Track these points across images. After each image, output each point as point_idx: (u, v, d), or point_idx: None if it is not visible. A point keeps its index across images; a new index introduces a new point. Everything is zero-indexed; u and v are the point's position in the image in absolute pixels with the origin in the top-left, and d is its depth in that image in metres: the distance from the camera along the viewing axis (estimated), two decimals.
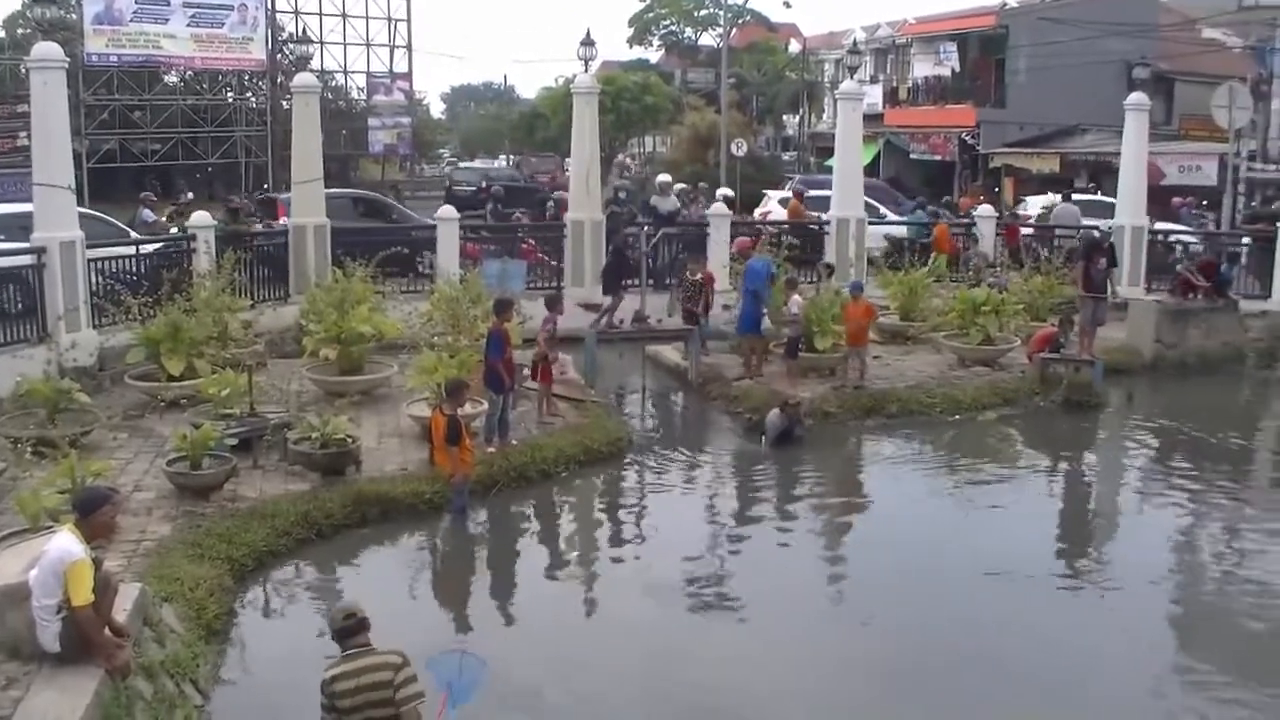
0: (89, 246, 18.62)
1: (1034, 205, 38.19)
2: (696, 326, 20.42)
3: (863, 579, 12.84)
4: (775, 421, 17.08)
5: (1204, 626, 11.86)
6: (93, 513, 8.44)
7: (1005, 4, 55.66)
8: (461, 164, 74.90)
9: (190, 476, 13.28)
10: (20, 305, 17.99)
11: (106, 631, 8.45)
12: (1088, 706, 9.99)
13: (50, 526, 10.14)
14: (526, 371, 17.74)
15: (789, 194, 34.22)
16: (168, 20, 51.08)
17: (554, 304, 17.96)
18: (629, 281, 22.94)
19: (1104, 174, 43.91)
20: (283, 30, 57.42)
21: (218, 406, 15.06)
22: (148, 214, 27.36)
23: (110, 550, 10.81)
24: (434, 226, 24.34)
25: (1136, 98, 27.07)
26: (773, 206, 36.54)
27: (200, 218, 21.95)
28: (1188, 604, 12.51)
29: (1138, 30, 48.20)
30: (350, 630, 7.58)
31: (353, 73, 60.52)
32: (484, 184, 59.37)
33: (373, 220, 29.48)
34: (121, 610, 8.95)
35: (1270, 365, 23.12)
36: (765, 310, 19.86)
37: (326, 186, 24.35)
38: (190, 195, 38.14)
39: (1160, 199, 34.60)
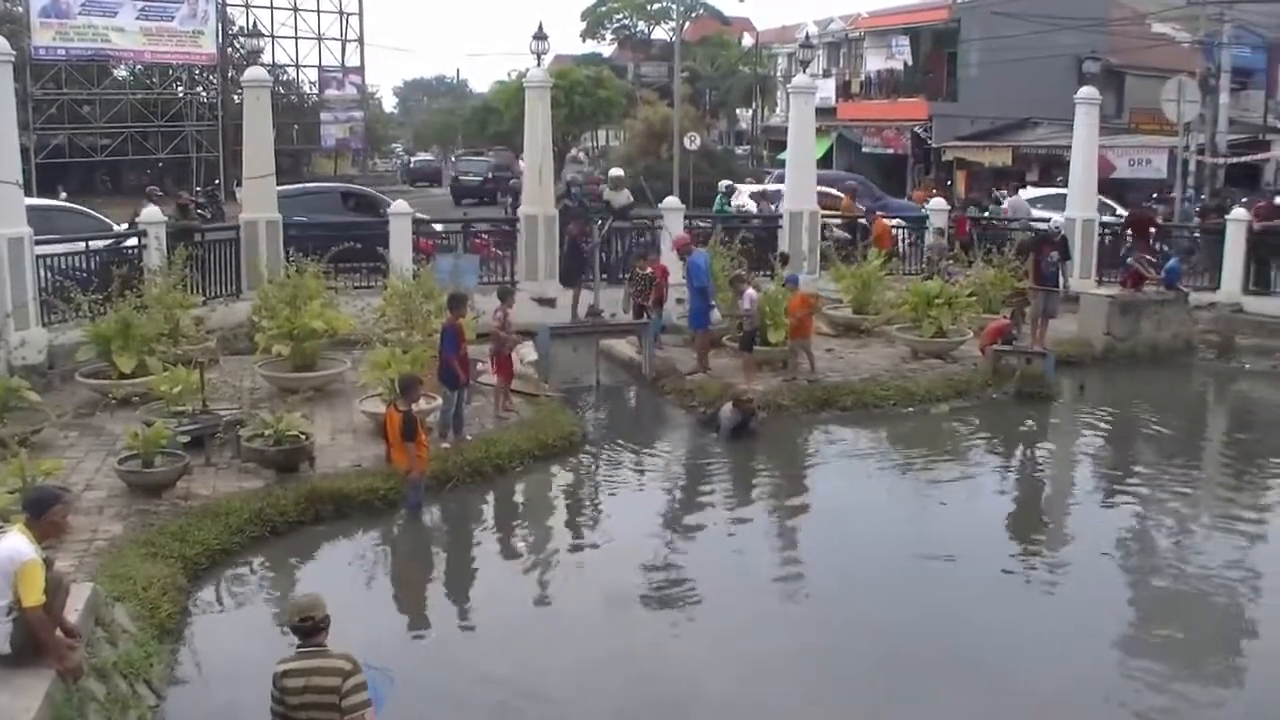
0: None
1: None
2: (649, 320, 20.43)
3: (816, 573, 12.88)
4: (729, 415, 17.14)
5: (1152, 614, 11.96)
6: (43, 513, 8.36)
7: None
8: (464, 154, 74.71)
9: (142, 475, 13.19)
10: None
11: (58, 632, 8.37)
12: (1034, 695, 10.10)
13: (0, 527, 10.05)
14: (481, 366, 17.73)
15: (761, 188, 34.68)
16: (116, 13, 50.75)
17: (505, 296, 17.86)
18: (584, 276, 22.88)
19: (1055, 167, 44.30)
20: (233, 24, 57.20)
21: (170, 404, 14.93)
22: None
23: (62, 550, 10.75)
24: (428, 222, 24.31)
25: (1087, 91, 27.27)
26: (744, 200, 36.64)
27: (150, 213, 21.78)
28: (1136, 591, 12.62)
29: (1088, 25, 48.55)
30: (306, 631, 7.55)
31: (304, 67, 60.45)
32: (489, 175, 59.54)
33: (362, 215, 29.08)
34: (73, 611, 8.87)
35: (1221, 356, 23.35)
36: (714, 304, 19.95)
37: (286, 182, 24.27)
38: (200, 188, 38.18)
39: (1112, 192, 34.93)
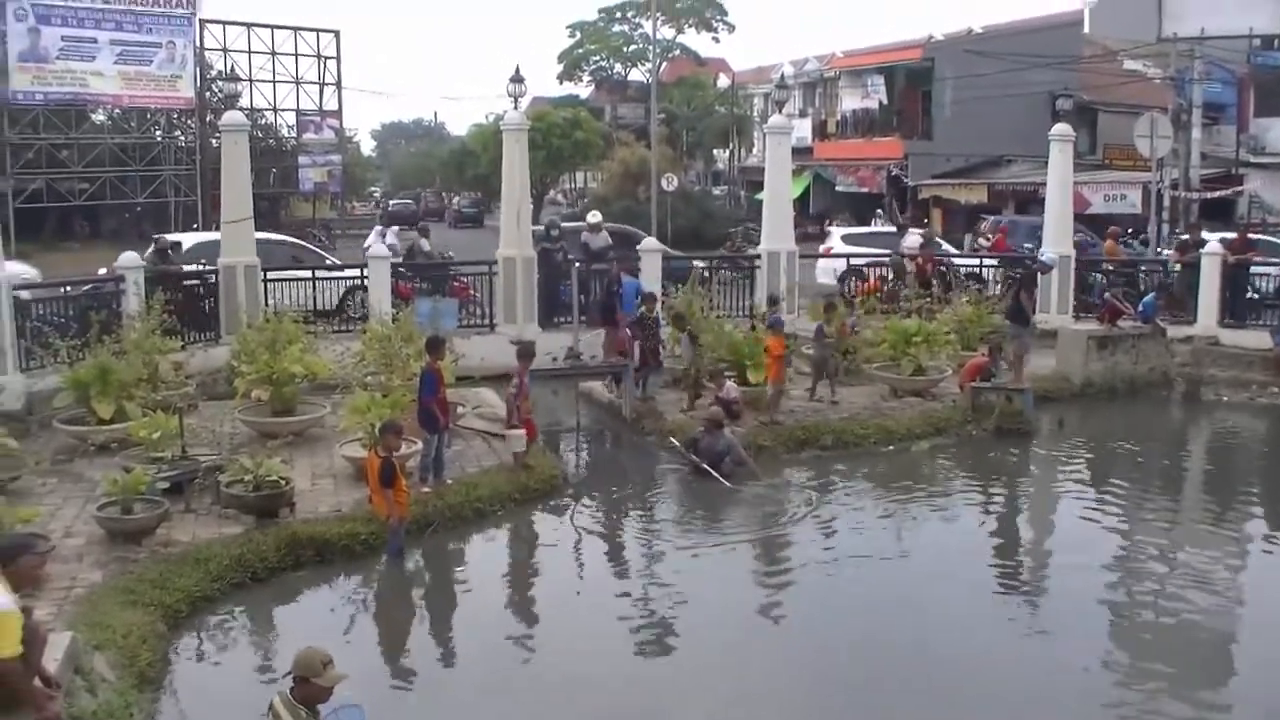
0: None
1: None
2: (628, 363, 20.37)
3: (800, 612, 12.86)
4: (705, 442, 17.14)
5: (1135, 645, 11.95)
6: (14, 561, 8.29)
7: (931, 37, 56.46)
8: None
9: (121, 521, 13.09)
10: None
11: (36, 682, 8.29)
12: None
13: None
14: (461, 409, 17.65)
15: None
16: (94, 58, 50.76)
17: (524, 356, 17.42)
18: (560, 319, 22.87)
19: (1030, 203, 44.55)
20: (211, 68, 57.20)
21: (149, 450, 14.87)
22: (424, 243, 29.66)
23: (40, 598, 10.66)
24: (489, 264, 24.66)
25: (1061, 128, 27.45)
26: (834, 242, 36.83)
27: (128, 258, 21.73)
28: (1118, 623, 12.58)
29: (1061, 62, 49.11)
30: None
31: (282, 110, 60.37)
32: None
33: (627, 249, 29.48)
34: (52, 660, 8.79)
35: (1188, 396, 23.44)
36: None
37: (262, 228, 24.42)
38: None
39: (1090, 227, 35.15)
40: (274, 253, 27.06)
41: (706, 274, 25.78)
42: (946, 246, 33.51)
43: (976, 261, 30.69)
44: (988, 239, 35.40)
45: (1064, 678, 10.96)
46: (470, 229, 76.59)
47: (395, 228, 35.73)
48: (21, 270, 27.59)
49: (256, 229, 23.72)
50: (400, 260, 27.06)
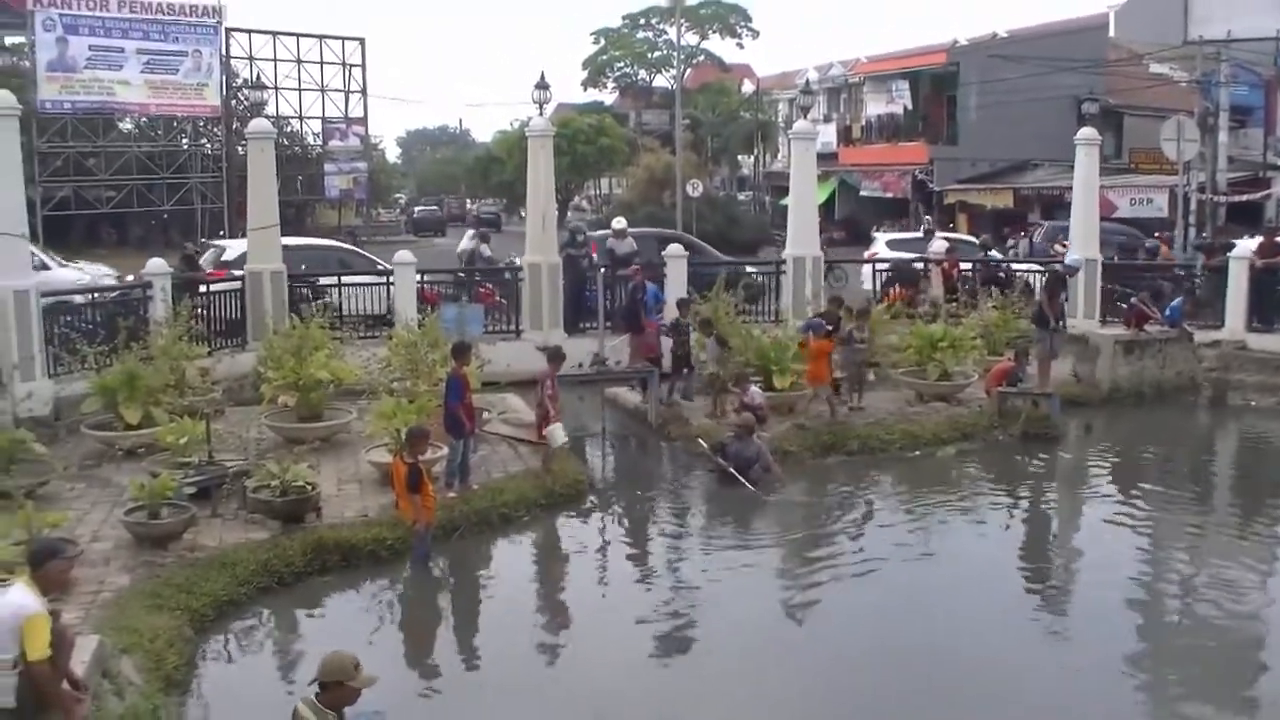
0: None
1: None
2: (654, 369, 20.39)
3: (821, 620, 12.83)
4: (734, 447, 17.11)
5: (1167, 656, 11.90)
6: (40, 566, 8.34)
7: (955, 42, 56.35)
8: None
9: (148, 526, 13.13)
10: None
11: (64, 685, 8.33)
12: None
13: (4, 580, 10.00)
14: (486, 415, 17.66)
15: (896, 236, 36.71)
16: (122, 67, 51.14)
17: (555, 359, 17.39)
18: (585, 324, 22.84)
19: (1056, 208, 44.38)
20: (237, 76, 57.55)
21: (175, 455, 14.92)
22: (485, 249, 30.60)
23: (68, 602, 10.71)
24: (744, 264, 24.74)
25: (1087, 133, 27.31)
26: (879, 247, 36.92)
27: (155, 265, 21.83)
28: (1149, 634, 12.52)
29: (1086, 66, 48.85)
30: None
31: (308, 118, 60.74)
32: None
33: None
34: (79, 663, 8.83)
35: (1215, 403, 23.29)
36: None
37: (290, 233, 24.55)
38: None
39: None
40: (325, 259, 27.94)
41: (759, 278, 26.05)
42: (994, 254, 33.21)
43: (1026, 267, 30.54)
44: (1149, 253, 34.79)
45: (1087, 686, 10.90)
46: (489, 233, 77.28)
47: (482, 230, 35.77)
48: (105, 271, 28.28)
49: (294, 235, 23.85)
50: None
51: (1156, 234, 33.75)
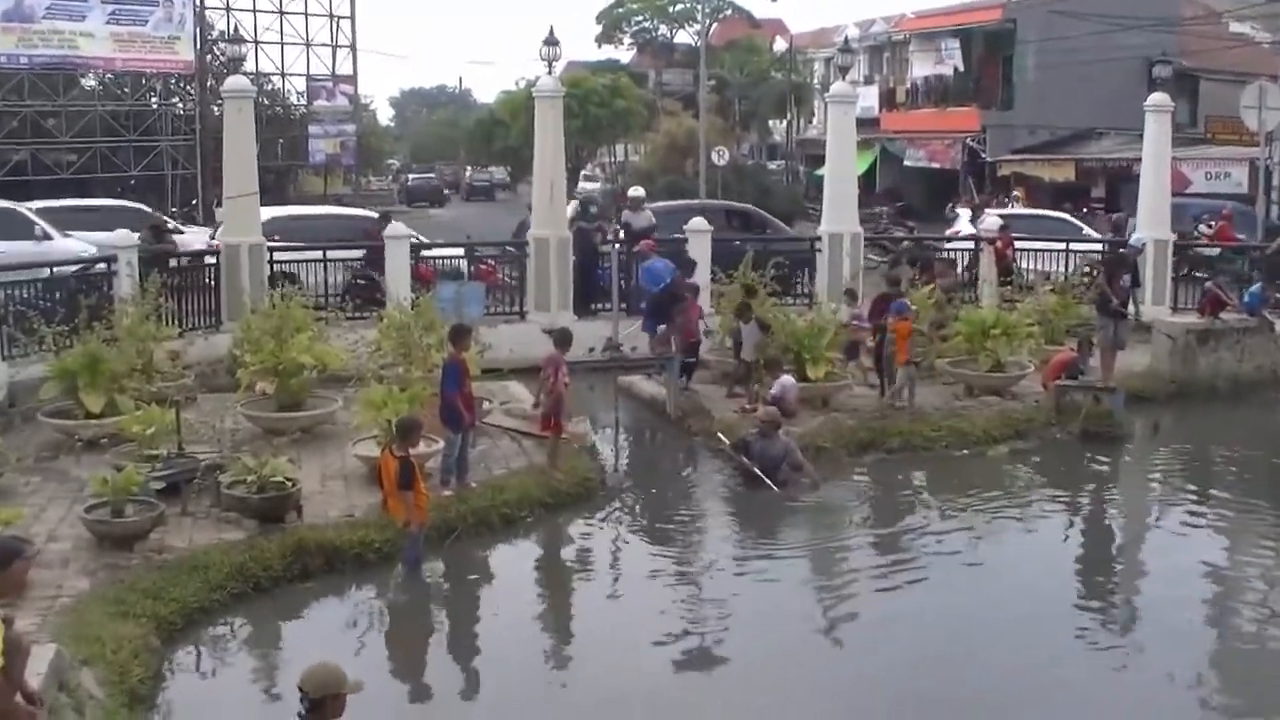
0: None
1: None
2: (673, 355, 20.39)
3: (857, 634, 12.86)
4: (759, 445, 17.11)
5: (1237, 687, 11.88)
6: (6, 568, 8.36)
7: None
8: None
9: (112, 525, 13.17)
10: None
11: (18, 698, 8.35)
12: None
13: None
14: (487, 405, 17.68)
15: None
16: (84, 17, 50.87)
17: (563, 343, 17.24)
18: (598, 305, 22.85)
19: (1123, 181, 44.22)
20: (213, 28, 57.39)
21: (142, 446, 14.96)
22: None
23: (22, 607, 10.73)
24: (810, 241, 25.26)
25: (1158, 98, 27.21)
26: (961, 225, 36.99)
27: (121, 236, 21.86)
28: (1218, 653, 12.50)
29: (1158, 24, 48.60)
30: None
31: (291, 75, 60.61)
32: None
33: (747, 233, 31.54)
34: (35, 675, 8.84)
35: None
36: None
37: (265, 202, 24.47)
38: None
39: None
40: (350, 227, 28.67)
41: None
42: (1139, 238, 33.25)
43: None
44: (1209, 227, 34.89)
45: (1145, 704, 10.90)
46: (482, 202, 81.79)
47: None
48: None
49: (275, 204, 23.85)
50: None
51: (1217, 211, 33.66)
